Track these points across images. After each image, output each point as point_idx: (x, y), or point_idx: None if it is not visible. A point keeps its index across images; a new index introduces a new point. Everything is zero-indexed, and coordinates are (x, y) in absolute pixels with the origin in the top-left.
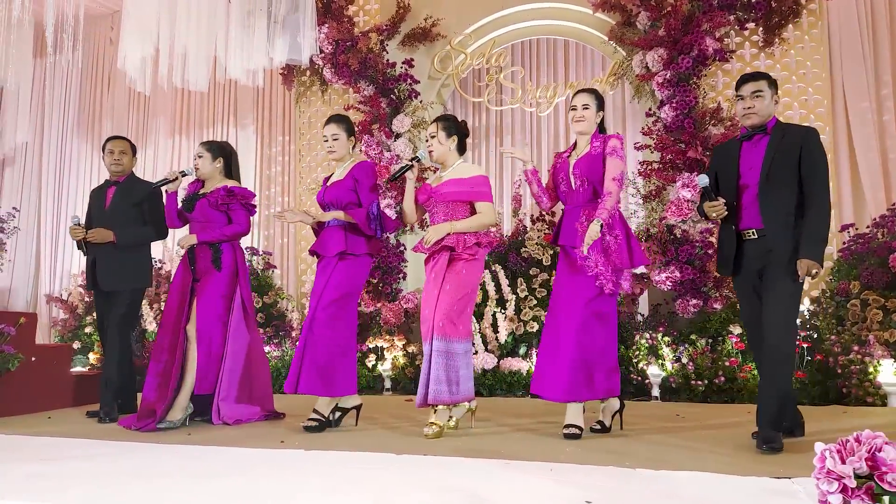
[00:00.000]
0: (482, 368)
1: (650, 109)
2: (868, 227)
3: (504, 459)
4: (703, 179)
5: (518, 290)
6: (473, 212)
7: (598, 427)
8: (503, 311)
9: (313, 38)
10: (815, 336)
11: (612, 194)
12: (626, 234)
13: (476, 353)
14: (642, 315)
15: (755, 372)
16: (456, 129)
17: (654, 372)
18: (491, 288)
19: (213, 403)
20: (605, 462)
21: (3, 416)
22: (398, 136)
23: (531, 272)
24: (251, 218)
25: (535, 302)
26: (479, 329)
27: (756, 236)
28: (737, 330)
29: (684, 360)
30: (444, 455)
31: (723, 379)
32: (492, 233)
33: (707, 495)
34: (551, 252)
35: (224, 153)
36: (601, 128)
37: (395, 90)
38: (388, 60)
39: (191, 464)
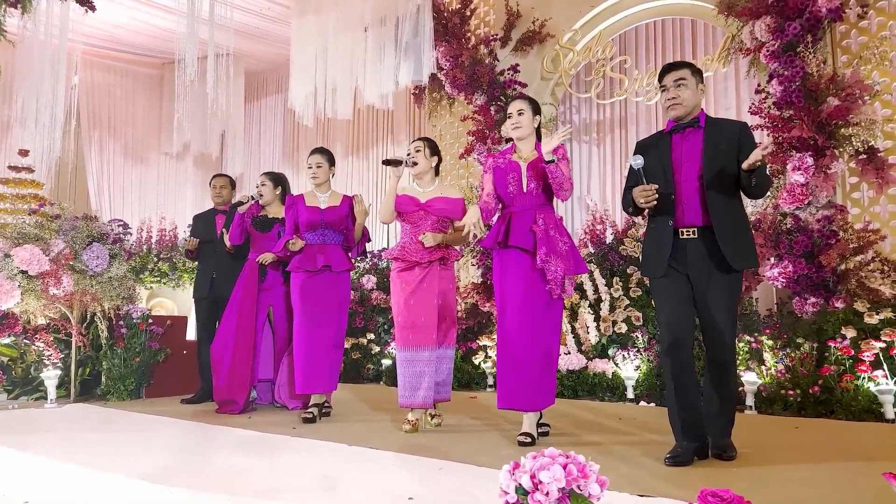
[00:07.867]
0: (567, 370)
1: (759, 86)
2: None
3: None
4: (637, 160)
5: (612, 291)
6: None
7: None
8: (594, 311)
9: (432, 57)
10: None
11: (569, 190)
12: (571, 242)
13: (568, 353)
14: (758, 315)
15: (857, 383)
16: (437, 151)
17: (751, 379)
18: (589, 288)
19: (275, 387)
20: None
21: (156, 397)
22: (508, 140)
23: (628, 270)
24: None
25: (627, 302)
26: (573, 329)
27: (695, 235)
28: (850, 333)
29: (781, 367)
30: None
31: (817, 390)
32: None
33: None
34: None
35: (282, 182)
36: (538, 133)
37: (502, 96)
38: (497, 69)
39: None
